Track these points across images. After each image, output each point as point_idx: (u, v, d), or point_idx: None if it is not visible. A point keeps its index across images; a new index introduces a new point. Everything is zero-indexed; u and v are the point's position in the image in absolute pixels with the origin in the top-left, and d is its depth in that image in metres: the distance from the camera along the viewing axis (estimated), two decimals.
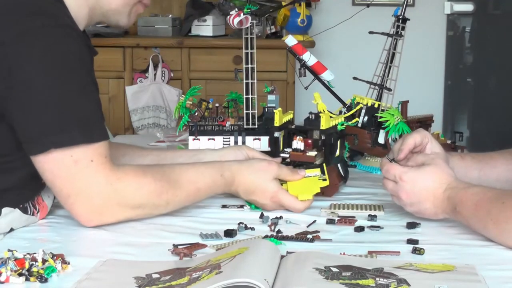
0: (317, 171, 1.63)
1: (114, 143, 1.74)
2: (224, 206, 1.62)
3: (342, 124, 1.76)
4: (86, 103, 1.41)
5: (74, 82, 1.39)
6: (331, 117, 1.73)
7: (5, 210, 1.44)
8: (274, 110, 1.76)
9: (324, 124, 1.67)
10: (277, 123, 1.72)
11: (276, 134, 1.71)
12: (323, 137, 1.67)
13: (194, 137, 1.94)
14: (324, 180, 1.62)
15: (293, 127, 1.74)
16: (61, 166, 1.39)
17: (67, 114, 1.38)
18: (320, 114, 1.68)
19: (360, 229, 1.47)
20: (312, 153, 1.66)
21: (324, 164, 1.64)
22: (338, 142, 1.73)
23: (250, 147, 1.76)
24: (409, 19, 2.01)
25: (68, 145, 1.37)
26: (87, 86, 1.42)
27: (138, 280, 1.16)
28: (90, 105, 1.42)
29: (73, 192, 1.40)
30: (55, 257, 1.22)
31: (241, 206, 1.61)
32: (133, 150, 1.76)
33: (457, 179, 1.47)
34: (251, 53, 1.87)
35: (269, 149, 1.81)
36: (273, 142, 1.72)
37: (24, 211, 1.47)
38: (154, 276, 1.17)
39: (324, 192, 1.67)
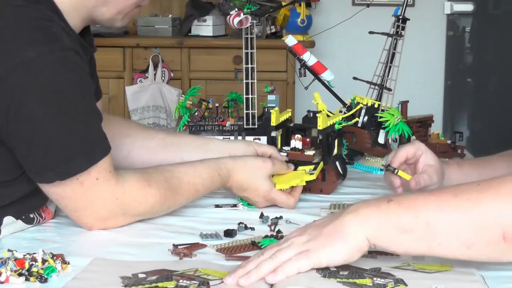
0: (310, 168, 1.63)
1: (116, 121, 1.71)
2: (217, 206, 1.62)
3: (340, 124, 1.76)
4: (88, 127, 1.37)
5: (75, 109, 1.35)
6: (328, 116, 1.74)
7: (7, 219, 1.42)
8: (271, 110, 1.76)
9: (322, 124, 1.68)
10: (273, 123, 1.73)
11: (273, 134, 1.71)
12: (320, 137, 1.68)
13: None
14: (311, 174, 1.62)
15: (291, 125, 1.74)
16: (67, 189, 1.37)
17: (70, 144, 1.34)
18: (317, 115, 1.69)
19: None
20: (310, 152, 1.67)
21: (321, 163, 1.65)
22: (336, 141, 1.73)
23: (259, 143, 1.76)
24: (409, 19, 2.01)
25: (73, 174, 1.35)
26: (88, 109, 1.38)
27: (124, 280, 1.15)
28: (92, 127, 1.38)
29: (80, 208, 1.40)
30: (55, 257, 1.22)
31: (234, 205, 1.62)
32: (137, 132, 1.74)
33: None
34: (251, 53, 1.87)
35: None
36: (271, 141, 1.73)
37: (29, 221, 1.46)
38: (141, 276, 1.17)
39: (323, 190, 1.68)
